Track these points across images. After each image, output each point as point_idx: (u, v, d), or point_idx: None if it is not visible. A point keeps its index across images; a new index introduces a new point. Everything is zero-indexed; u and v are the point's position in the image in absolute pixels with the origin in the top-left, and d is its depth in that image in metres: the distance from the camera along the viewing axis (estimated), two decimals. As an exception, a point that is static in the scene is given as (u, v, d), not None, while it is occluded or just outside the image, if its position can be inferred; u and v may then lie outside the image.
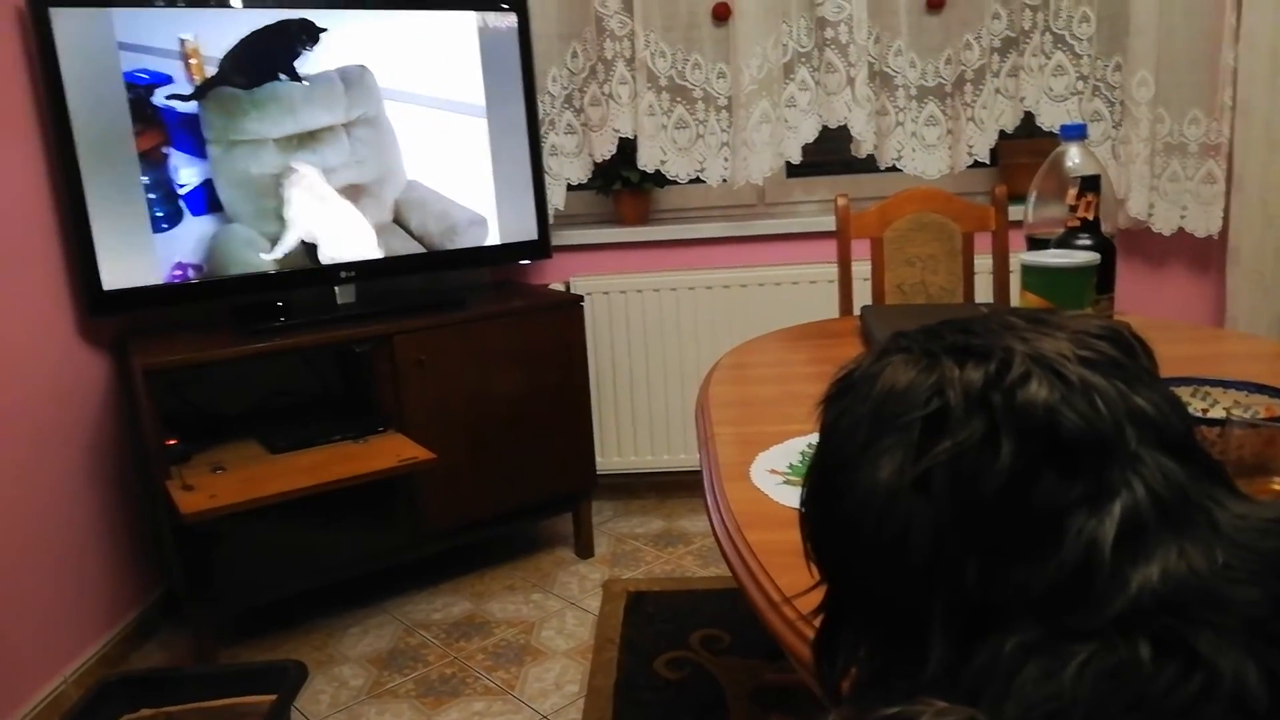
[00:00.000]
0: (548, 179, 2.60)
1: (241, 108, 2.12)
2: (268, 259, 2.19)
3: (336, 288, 2.30)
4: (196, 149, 2.10)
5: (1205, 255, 2.63)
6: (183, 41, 2.05)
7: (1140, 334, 0.48)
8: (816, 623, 0.54)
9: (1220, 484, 0.43)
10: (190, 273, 2.12)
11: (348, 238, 2.28)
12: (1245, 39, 2.33)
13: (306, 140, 2.20)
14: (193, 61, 2.06)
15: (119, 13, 1.97)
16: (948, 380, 0.45)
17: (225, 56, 2.10)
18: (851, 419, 0.48)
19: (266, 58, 2.14)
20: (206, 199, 2.12)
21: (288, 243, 2.20)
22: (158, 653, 2.19)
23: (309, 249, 2.23)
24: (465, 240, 2.42)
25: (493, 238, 2.46)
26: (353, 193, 2.27)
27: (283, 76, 2.15)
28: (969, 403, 0.43)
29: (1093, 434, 0.42)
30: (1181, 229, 2.53)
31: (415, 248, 2.36)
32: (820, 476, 0.50)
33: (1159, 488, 0.41)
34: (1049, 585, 0.41)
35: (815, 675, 0.54)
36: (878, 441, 0.46)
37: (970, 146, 2.55)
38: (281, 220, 2.19)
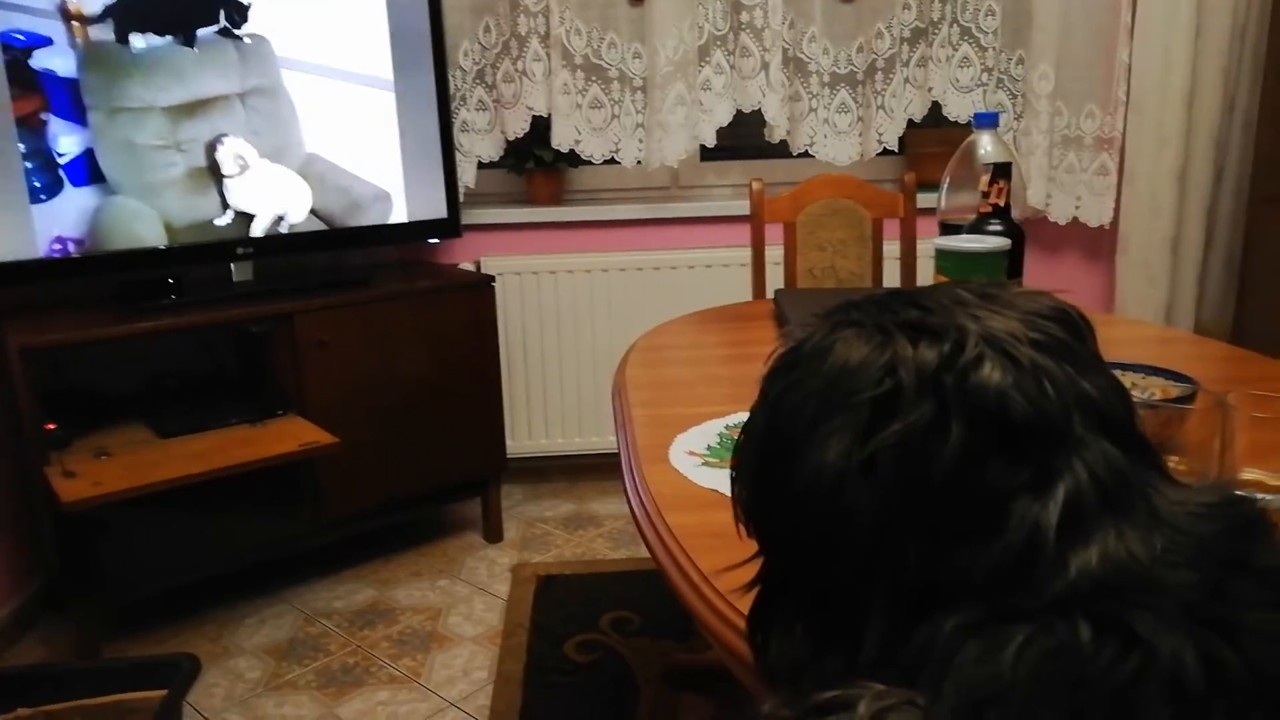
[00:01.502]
0: (458, 156, 2.53)
1: (125, 71, 1.99)
2: (221, 223, 2.11)
3: (233, 264, 2.19)
4: (77, 116, 1.96)
5: (1097, 244, 2.74)
6: (64, 0, 1.91)
7: (1085, 314, 0.48)
8: (750, 597, 0.53)
9: (1157, 470, 0.44)
10: (71, 247, 1.98)
11: (285, 199, 2.18)
12: (1139, 37, 2.42)
13: (197, 109, 2.08)
14: (74, 23, 1.92)
15: (-9, -37, 1.83)
16: (900, 359, 0.43)
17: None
18: (800, 394, 0.46)
19: (177, 11, 2.02)
20: (88, 169, 1.98)
21: (230, 211, 2.13)
22: (36, 648, 2.06)
23: (207, 224, 2.12)
24: (369, 217, 2.33)
25: (400, 215, 2.39)
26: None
27: (179, 36, 2.03)
28: (921, 384, 0.43)
29: (1041, 418, 0.42)
30: (1075, 218, 2.63)
31: (317, 224, 2.27)
32: (762, 450, 0.49)
33: (1101, 473, 0.41)
34: (992, 568, 0.40)
35: (750, 651, 0.52)
36: (826, 421, 0.44)
37: (880, 134, 2.59)
38: (171, 192, 2.07)
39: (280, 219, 2.20)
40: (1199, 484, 0.44)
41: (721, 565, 0.84)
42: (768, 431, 0.49)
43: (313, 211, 2.25)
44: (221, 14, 2.08)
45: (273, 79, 2.16)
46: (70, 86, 1.95)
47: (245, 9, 2.09)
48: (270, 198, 2.18)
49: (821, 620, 0.47)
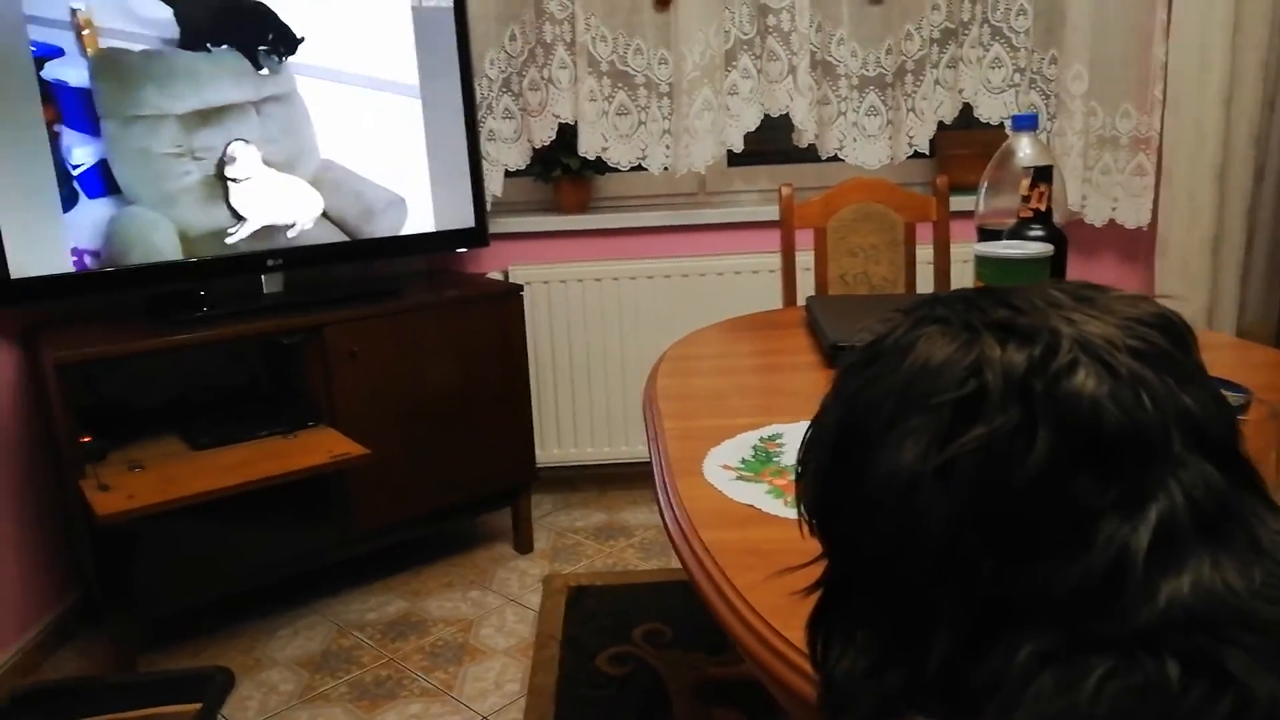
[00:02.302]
0: (485, 165, 2.53)
1: (139, 79, 1.98)
2: (232, 240, 2.12)
3: (263, 276, 2.20)
4: (90, 126, 1.95)
5: (1134, 246, 2.69)
6: (74, 11, 1.90)
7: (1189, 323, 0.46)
8: (812, 599, 0.50)
9: (1260, 496, 0.41)
10: (88, 259, 1.98)
11: (295, 209, 2.19)
12: (1175, 35, 2.38)
13: (211, 116, 2.08)
14: (85, 33, 1.92)
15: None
16: (987, 360, 0.41)
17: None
18: (877, 391, 0.44)
19: (235, 28, 2.04)
20: (103, 180, 1.98)
21: (246, 228, 2.13)
22: (74, 660, 2.08)
23: (239, 232, 2.13)
24: (382, 222, 2.32)
25: (427, 224, 2.39)
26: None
27: (223, 47, 2.04)
28: (1008, 387, 0.40)
29: (1137, 433, 0.39)
30: (1112, 220, 2.58)
31: (337, 234, 2.27)
32: (834, 448, 0.47)
33: (1199, 496, 0.38)
34: (1072, 590, 0.38)
35: (809, 655, 0.50)
36: (904, 421, 0.42)
37: (910, 137, 2.56)
38: (186, 200, 2.06)
39: (289, 227, 2.20)
40: None
41: (759, 583, 0.82)
42: (840, 428, 0.46)
43: (328, 217, 2.24)
44: (270, 41, 2.10)
45: (288, 86, 2.16)
46: (82, 96, 1.94)
47: (295, 43, 2.11)
48: (276, 204, 2.17)
49: (885, 630, 0.45)
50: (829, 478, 0.47)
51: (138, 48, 1.99)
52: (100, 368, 2.02)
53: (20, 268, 1.91)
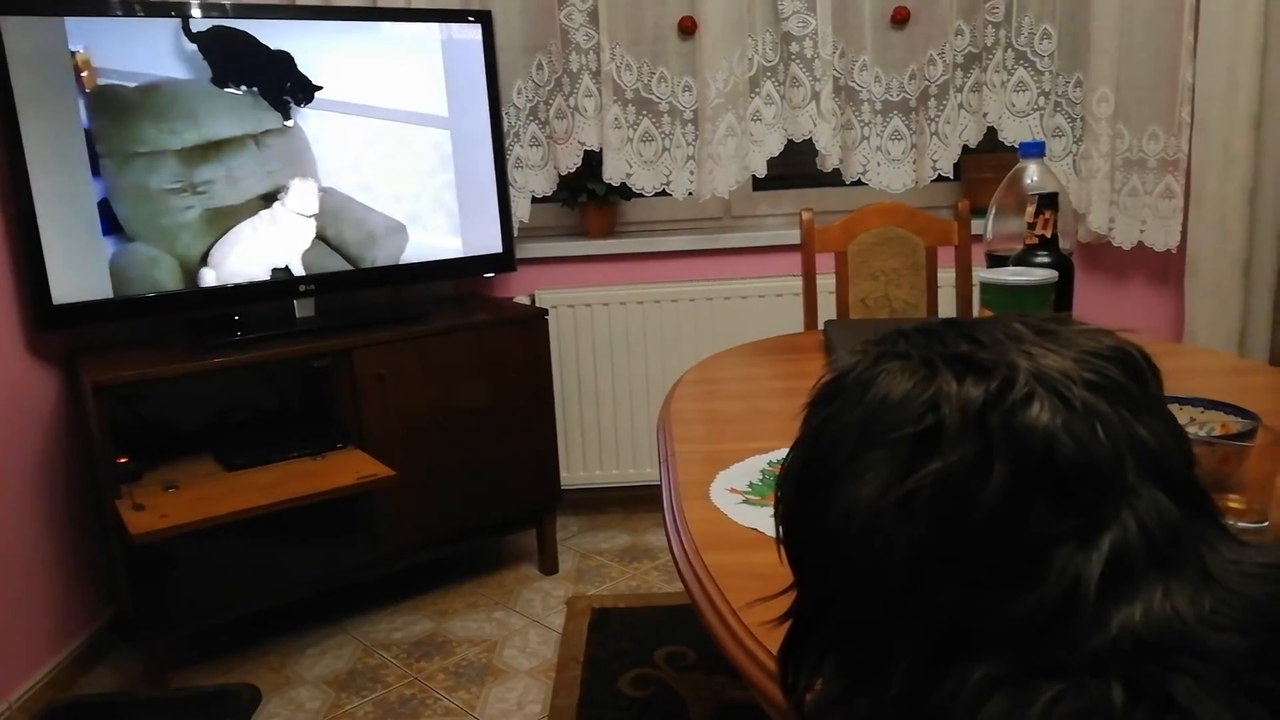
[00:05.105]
0: (512, 191, 2.58)
1: (137, 115, 2.01)
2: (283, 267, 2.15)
3: (296, 301, 2.26)
4: (91, 166, 1.98)
5: (1164, 269, 2.66)
6: (73, 54, 1.94)
7: (1150, 356, 0.46)
8: (781, 631, 0.52)
9: (1214, 524, 0.42)
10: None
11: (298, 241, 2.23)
12: (1203, 57, 2.36)
13: (210, 151, 2.10)
14: (84, 74, 1.96)
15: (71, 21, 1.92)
16: (944, 396, 0.42)
17: (213, 33, 2.04)
18: (839, 426, 0.46)
19: (260, 73, 2.10)
20: (104, 219, 2.00)
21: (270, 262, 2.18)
22: (108, 676, 2.13)
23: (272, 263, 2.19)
24: (383, 248, 2.35)
25: (455, 250, 2.43)
26: (261, 203, 2.20)
27: (242, 89, 2.10)
28: (965, 421, 0.41)
29: (1090, 464, 0.40)
30: (1141, 243, 2.56)
31: (341, 260, 2.32)
32: (800, 483, 0.48)
33: (1151, 525, 0.40)
34: (1026, 617, 0.39)
35: (779, 683, 0.52)
36: (864, 455, 0.44)
37: (934, 161, 2.56)
38: (186, 235, 2.09)
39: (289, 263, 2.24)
40: (1261, 544, 0.42)
41: (759, 607, 0.84)
42: (805, 462, 0.48)
43: (329, 244, 2.26)
44: (289, 89, 2.15)
45: (290, 119, 2.19)
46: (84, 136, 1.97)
47: (313, 91, 2.16)
48: (294, 239, 2.22)
49: (851, 658, 0.46)
50: (796, 511, 0.49)
51: (133, 84, 2.01)
52: (138, 390, 2.08)
53: (62, 293, 1.98)
